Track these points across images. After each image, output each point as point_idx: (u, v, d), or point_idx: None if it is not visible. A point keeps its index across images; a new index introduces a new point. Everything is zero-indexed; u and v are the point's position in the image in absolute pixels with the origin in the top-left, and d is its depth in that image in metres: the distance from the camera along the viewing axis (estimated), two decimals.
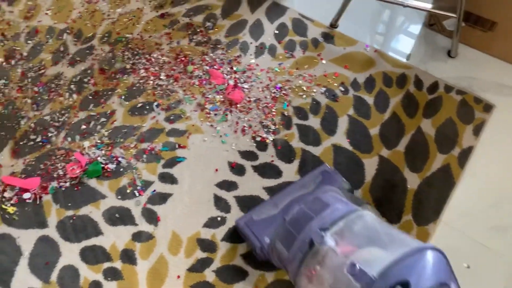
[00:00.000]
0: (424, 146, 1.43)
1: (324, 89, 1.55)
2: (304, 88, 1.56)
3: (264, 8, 1.77)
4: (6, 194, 1.37)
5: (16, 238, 1.30)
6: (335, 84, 1.56)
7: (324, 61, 1.62)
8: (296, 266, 0.95)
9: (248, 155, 1.43)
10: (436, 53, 1.65)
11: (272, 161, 1.42)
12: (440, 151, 1.42)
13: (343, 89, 1.55)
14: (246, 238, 1.24)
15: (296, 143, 1.45)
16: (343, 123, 1.48)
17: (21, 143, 1.47)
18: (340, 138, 1.45)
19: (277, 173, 1.39)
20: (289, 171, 1.40)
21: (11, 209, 1.34)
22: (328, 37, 1.68)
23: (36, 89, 1.59)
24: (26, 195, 1.36)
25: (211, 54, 1.65)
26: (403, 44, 1.70)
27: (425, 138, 1.44)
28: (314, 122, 1.49)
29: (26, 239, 1.30)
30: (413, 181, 1.37)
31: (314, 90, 1.55)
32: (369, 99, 1.53)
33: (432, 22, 1.68)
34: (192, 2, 1.80)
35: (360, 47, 1.65)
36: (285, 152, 1.43)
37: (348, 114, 1.50)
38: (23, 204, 1.35)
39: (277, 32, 1.70)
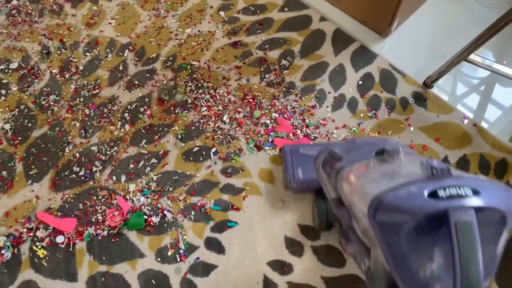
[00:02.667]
0: None
1: None
2: None
3: (350, 51, 1.55)
4: (39, 234, 1.24)
5: None
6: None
7: (411, 128, 1.39)
8: (349, 163, 0.87)
9: (309, 231, 1.24)
10: None
11: (336, 245, 1.22)
12: None
13: None
14: (284, 164, 1.28)
15: None
16: None
17: (62, 174, 1.34)
18: None
19: (341, 262, 1.19)
20: (353, 263, 1.19)
21: (41, 253, 1.21)
22: (420, 98, 1.44)
23: (87, 111, 1.44)
24: (60, 239, 1.23)
25: (282, 100, 1.45)
26: (509, 123, 1.44)
27: None
28: None
29: None
30: None
31: None
32: None
33: None
34: (269, 33, 1.59)
35: (456, 117, 1.41)
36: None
37: None
38: (55, 249, 1.22)
39: (361, 83, 1.48)
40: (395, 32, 1.58)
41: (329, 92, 1.47)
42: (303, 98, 1.45)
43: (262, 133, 1.39)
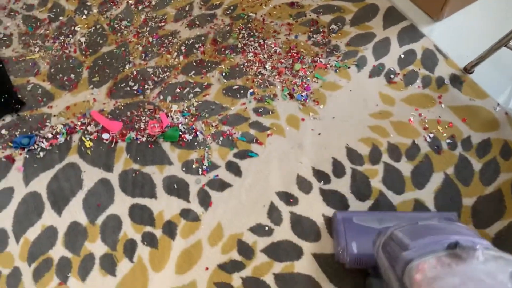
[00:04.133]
0: None
1: (430, 135, 1.38)
2: (408, 127, 1.40)
3: (398, 27, 1.62)
4: (89, 128, 1.44)
5: (82, 172, 1.37)
6: (444, 135, 1.38)
7: (443, 105, 1.44)
8: (418, 256, 0.80)
9: (321, 175, 1.34)
10: None
11: (343, 192, 1.31)
12: None
13: (450, 142, 1.37)
14: (335, 233, 1.20)
15: (376, 183, 1.32)
16: (436, 180, 1.31)
17: (119, 85, 1.54)
18: (427, 195, 1.29)
19: (344, 206, 1.28)
20: (357, 209, 1.28)
21: (88, 143, 1.42)
22: (456, 80, 1.49)
23: (150, 39, 1.64)
24: (105, 136, 1.42)
25: (322, 59, 1.55)
26: None
27: None
28: (405, 167, 1.34)
29: (90, 175, 1.36)
30: None
31: (419, 133, 1.39)
32: (477, 165, 1.33)
33: None
34: None
35: (489, 103, 1.44)
36: (361, 188, 1.31)
37: (446, 172, 1.32)
38: (100, 143, 1.42)
39: (402, 57, 1.55)
40: (446, 18, 1.63)
41: (370, 60, 1.55)
42: (344, 61, 1.55)
43: (298, 85, 1.50)
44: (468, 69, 1.50)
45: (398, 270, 0.82)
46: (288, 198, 1.30)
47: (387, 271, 0.88)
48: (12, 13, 1.76)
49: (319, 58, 1.56)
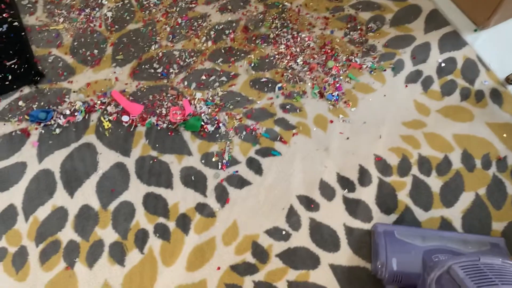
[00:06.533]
0: None
1: (462, 151, 1.31)
2: (441, 140, 1.33)
3: (440, 33, 1.53)
4: (109, 109, 1.38)
5: (98, 153, 1.32)
6: (479, 152, 1.31)
7: (480, 120, 1.36)
8: None
9: (345, 182, 1.27)
10: None
11: (368, 202, 1.24)
12: None
13: (484, 161, 1.29)
14: (374, 246, 1.14)
15: (403, 196, 1.25)
16: (466, 200, 1.24)
17: (143, 66, 1.47)
18: (455, 215, 1.22)
19: (368, 217, 1.22)
20: (381, 221, 1.22)
21: (107, 124, 1.36)
22: (496, 95, 1.40)
23: (179, 20, 1.57)
24: (125, 118, 1.37)
25: (357, 59, 1.47)
26: None
27: None
28: (434, 183, 1.27)
29: (106, 158, 1.31)
30: None
31: (452, 147, 1.32)
32: (511, 188, 1.26)
33: None
34: None
35: None
36: (386, 200, 1.25)
37: (477, 192, 1.25)
38: (118, 125, 1.36)
39: (443, 65, 1.46)
40: (493, 27, 1.53)
41: (408, 64, 1.47)
42: (380, 63, 1.47)
43: (329, 83, 1.43)
44: (510, 80, 1.41)
45: None
46: (309, 203, 1.24)
47: None
48: None
49: (354, 57, 1.48)
